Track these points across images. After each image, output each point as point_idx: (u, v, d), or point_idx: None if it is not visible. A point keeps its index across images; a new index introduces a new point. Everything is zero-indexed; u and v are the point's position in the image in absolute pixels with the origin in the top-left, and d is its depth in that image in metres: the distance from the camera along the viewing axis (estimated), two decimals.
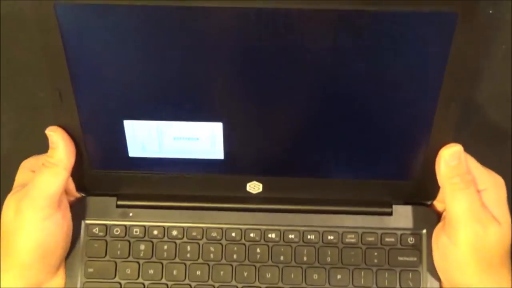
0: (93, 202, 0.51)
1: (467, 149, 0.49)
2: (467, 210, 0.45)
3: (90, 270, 0.49)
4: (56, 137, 0.47)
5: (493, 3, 0.57)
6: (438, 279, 0.49)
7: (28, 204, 0.46)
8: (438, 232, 0.48)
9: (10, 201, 0.47)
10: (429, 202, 0.50)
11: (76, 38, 0.43)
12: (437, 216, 0.50)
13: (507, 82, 0.57)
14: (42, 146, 0.51)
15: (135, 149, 0.48)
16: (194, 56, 0.43)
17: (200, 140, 0.47)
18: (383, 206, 0.50)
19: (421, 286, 0.49)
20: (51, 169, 0.47)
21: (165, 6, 0.41)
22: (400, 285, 0.49)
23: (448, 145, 0.46)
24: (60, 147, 0.47)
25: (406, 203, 0.50)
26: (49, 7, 0.41)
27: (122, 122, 0.47)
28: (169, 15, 0.41)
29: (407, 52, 0.43)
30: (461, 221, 0.45)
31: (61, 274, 0.49)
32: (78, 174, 0.49)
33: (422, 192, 0.50)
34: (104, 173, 0.50)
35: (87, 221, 0.50)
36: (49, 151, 0.47)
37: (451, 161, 0.46)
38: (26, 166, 0.49)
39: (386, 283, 0.49)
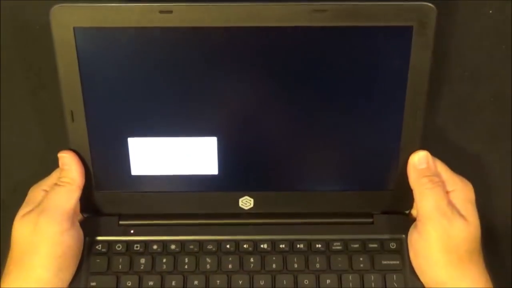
0: (96, 221, 0.54)
1: (467, 149, 0.53)
2: (434, 207, 0.49)
3: (93, 284, 0.52)
4: (69, 159, 0.51)
5: (493, 3, 0.59)
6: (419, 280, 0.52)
7: (47, 220, 0.49)
8: (411, 231, 0.52)
9: (24, 219, 0.49)
10: (407, 212, 0.55)
11: (90, 60, 0.49)
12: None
13: (507, 82, 0.59)
14: (42, 146, 0.54)
15: (137, 167, 0.53)
16: (193, 76, 0.49)
17: (197, 155, 0.52)
18: (364, 216, 0.55)
19: (405, 287, 0.52)
20: (65, 187, 0.51)
21: (163, 28, 0.48)
22: (385, 286, 0.52)
23: (416, 151, 0.52)
24: (73, 168, 0.51)
25: (385, 212, 0.55)
26: (69, 30, 0.48)
27: (127, 140, 0.52)
28: (172, 36, 0.48)
29: (369, 66, 0.49)
30: (429, 216, 0.49)
31: None
32: (83, 196, 0.53)
33: (400, 201, 0.54)
34: (107, 194, 0.54)
35: (91, 239, 0.53)
36: (60, 172, 0.52)
37: (420, 165, 0.51)
38: (39, 187, 0.53)
39: (373, 285, 0.52)
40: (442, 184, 0.50)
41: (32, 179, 0.54)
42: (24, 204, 0.52)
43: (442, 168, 0.52)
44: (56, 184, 0.51)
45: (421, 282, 0.52)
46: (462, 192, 0.50)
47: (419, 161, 0.51)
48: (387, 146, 0.52)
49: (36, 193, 0.52)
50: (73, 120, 0.51)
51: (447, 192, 0.50)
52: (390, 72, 0.50)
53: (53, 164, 0.53)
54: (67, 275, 0.50)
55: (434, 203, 0.49)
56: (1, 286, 0.48)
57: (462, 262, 0.48)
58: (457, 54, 0.60)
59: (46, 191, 0.52)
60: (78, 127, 0.51)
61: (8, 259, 0.49)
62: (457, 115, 0.60)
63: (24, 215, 0.50)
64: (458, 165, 0.55)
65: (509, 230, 0.57)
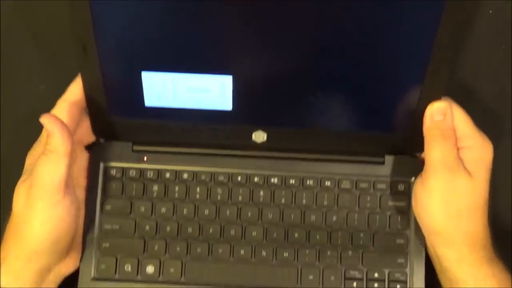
0: (111, 146, 0.55)
1: None
2: (439, 159, 0.49)
3: (108, 207, 0.54)
4: (51, 125, 0.47)
5: (493, 3, 0.58)
6: None
7: (36, 194, 0.47)
8: (417, 180, 0.52)
9: (20, 189, 0.48)
10: (418, 154, 0.55)
11: None
12: None
13: (507, 82, 0.59)
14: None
15: (151, 99, 0.52)
16: (208, 11, 0.47)
17: (211, 91, 0.51)
18: (376, 156, 0.55)
19: (409, 228, 0.54)
20: (49, 157, 0.47)
21: None
22: (389, 227, 0.54)
23: (437, 101, 0.50)
24: (56, 134, 0.47)
25: (397, 154, 0.55)
26: None
27: (140, 74, 0.51)
28: None
29: (400, 9, 0.46)
30: (433, 168, 0.49)
31: (73, 255, 0.52)
32: (98, 121, 0.53)
33: (412, 144, 0.54)
34: (121, 120, 0.54)
35: (105, 164, 0.55)
36: (47, 138, 0.48)
37: (436, 116, 0.50)
38: (33, 154, 0.51)
39: (377, 225, 0.54)
40: (454, 138, 0.50)
41: None
42: (24, 170, 0.51)
43: (462, 122, 0.50)
44: (42, 153, 0.48)
45: None
46: (477, 150, 0.50)
47: (437, 112, 0.50)
48: (408, 91, 0.51)
49: (30, 159, 0.51)
50: (84, 52, 0.49)
51: (459, 148, 0.50)
52: (421, 14, 0.46)
53: None
54: (64, 245, 0.50)
55: (441, 155, 0.49)
56: (1, 253, 0.48)
57: (460, 216, 0.49)
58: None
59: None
60: (89, 59, 0.49)
61: (8, 224, 0.49)
62: None
63: (20, 184, 0.49)
64: None
65: (509, 230, 0.57)
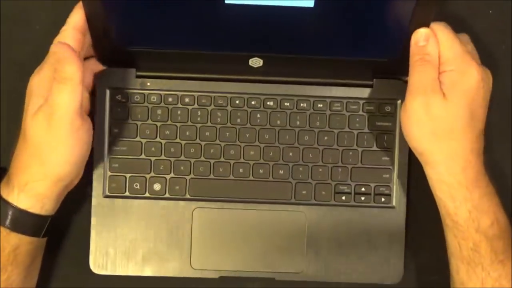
0: (115, 73, 0.58)
1: None
2: (415, 82, 0.52)
3: (116, 130, 0.58)
4: (65, 52, 0.48)
5: (493, 3, 0.59)
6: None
7: (59, 122, 0.49)
8: (402, 104, 0.55)
9: (38, 117, 0.50)
10: (404, 77, 0.59)
11: None
12: None
13: (507, 82, 0.60)
14: None
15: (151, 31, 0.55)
16: None
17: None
18: (365, 79, 0.58)
19: (394, 146, 0.59)
20: (67, 85, 0.49)
21: None
22: (376, 145, 0.59)
23: (421, 29, 0.52)
24: (71, 62, 0.48)
25: (385, 77, 0.58)
26: None
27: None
28: None
29: None
30: (410, 92, 0.52)
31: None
32: (102, 49, 0.56)
33: (399, 68, 0.57)
34: (124, 48, 0.56)
35: (111, 89, 0.58)
36: (58, 65, 0.49)
37: (420, 42, 0.52)
38: (39, 77, 0.52)
39: (365, 144, 0.59)
40: (434, 62, 0.52)
41: None
42: (32, 97, 0.52)
43: (447, 47, 0.52)
44: (57, 81, 0.49)
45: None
46: (456, 74, 0.52)
47: (420, 38, 0.52)
48: (398, 15, 0.53)
49: (40, 84, 0.52)
50: None
51: (441, 72, 0.52)
52: None
53: None
54: (83, 165, 0.54)
55: (417, 78, 0.52)
56: (22, 178, 0.51)
57: (436, 136, 0.51)
58: None
59: (49, 82, 0.51)
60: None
61: (21, 149, 0.51)
62: None
63: (36, 112, 0.50)
64: None
65: None
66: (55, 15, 0.58)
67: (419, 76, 0.52)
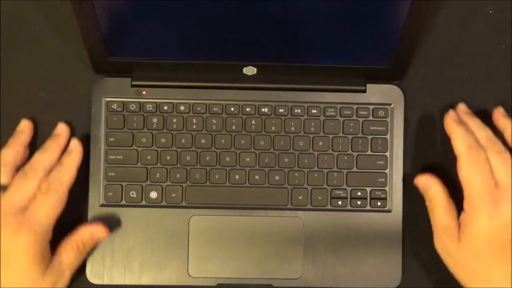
0: (111, 82, 0.58)
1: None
2: (433, 225, 0.55)
3: (111, 139, 0.58)
4: (76, 156, 0.56)
5: (493, 3, 0.59)
6: (401, 145, 0.59)
7: (28, 236, 0.51)
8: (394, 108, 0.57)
9: (7, 221, 0.51)
10: (396, 82, 0.60)
11: None
12: (403, 94, 0.59)
13: (507, 82, 0.60)
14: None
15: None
16: None
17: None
18: (358, 84, 0.59)
19: (388, 150, 0.59)
20: (54, 198, 0.53)
21: None
22: (371, 149, 0.59)
23: (419, 176, 0.56)
24: (73, 167, 0.55)
25: (378, 82, 0.59)
26: None
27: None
28: None
29: None
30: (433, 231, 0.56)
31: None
32: (97, 62, 0.57)
33: (392, 74, 0.58)
34: (119, 59, 0.57)
35: (107, 99, 0.58)
36: (55, 173, 0.54)
37: (420, 189, 0.56)
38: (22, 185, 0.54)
39: (360, 148, 0.59)
40: (442, 204, 0.55)
41: None
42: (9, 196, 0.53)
43: (467, 183, 0.53)
44: (43, 193, 0.53)
45: (401, 148, 0.59)
46: (469, 221, 0.53)
47: (419, 186, 0.56)
48: (390, 23, 0.54)
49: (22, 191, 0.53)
50: (80, 4, 0.51)
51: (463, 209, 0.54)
52: None
53: None
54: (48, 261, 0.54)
55: (432, 222, 0.56)
56: None
57: (458, 274, 0.54)
58: (457, 54, 0.60)
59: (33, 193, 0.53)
60: (85, 9, 0.51)
61: None
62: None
63: (6, 215, 0.52)
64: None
65: None
66: (55, 15, 0.59)
67: (432, 220, 0.55)
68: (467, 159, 0.53)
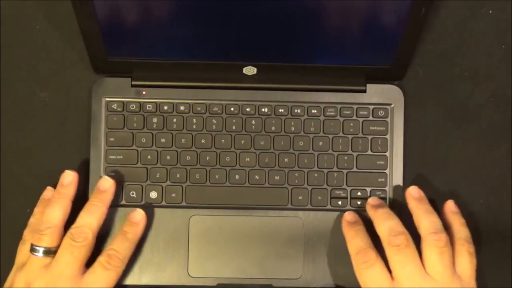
0: (111, 82, 0.59)
1: (467, 149, 0.55)
2: None
3: (112, 139, 0.58)
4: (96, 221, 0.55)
5: (493, 3, 0.59)
6: (401, 145, 0.59)
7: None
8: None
9: None
10: (396, 82, 0.60)
11: None
12: (403, 94, 0.59)
13: (507, 82, 0.60)
14: (41, 146, 0.57)
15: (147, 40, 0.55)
16: None
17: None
18: (358, 84, 0.59)
19: (388, 150, 0.59)
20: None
21: None
22: (371, 149, 0.59)
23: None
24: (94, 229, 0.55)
25: (377, 82, 0.59)
26: None
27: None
28: None
29: None
30: None
31: None
32: (97, 62, 0.57)
33: (392, 74, 0.58)
34: (119, 59, 0.57)
35: (107, 99, 0.58)
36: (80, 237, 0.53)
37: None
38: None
39: (360, 148, 0.59)
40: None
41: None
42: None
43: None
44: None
45: (401, 147, 0.59)
46: None
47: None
48: (390, 24, 0.54)
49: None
50: (80, 4, 0.51)
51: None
52: None
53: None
54: None
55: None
56: None
57: None
58: (457, 54, 0.60)
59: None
60: (85, 10, 0.52)
61: None
62: (457, 115, 0.60)
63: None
64: (458, 166, 0.57)
65: (509, 230, 0.59)
66: (55, 15, 0.59)
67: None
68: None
